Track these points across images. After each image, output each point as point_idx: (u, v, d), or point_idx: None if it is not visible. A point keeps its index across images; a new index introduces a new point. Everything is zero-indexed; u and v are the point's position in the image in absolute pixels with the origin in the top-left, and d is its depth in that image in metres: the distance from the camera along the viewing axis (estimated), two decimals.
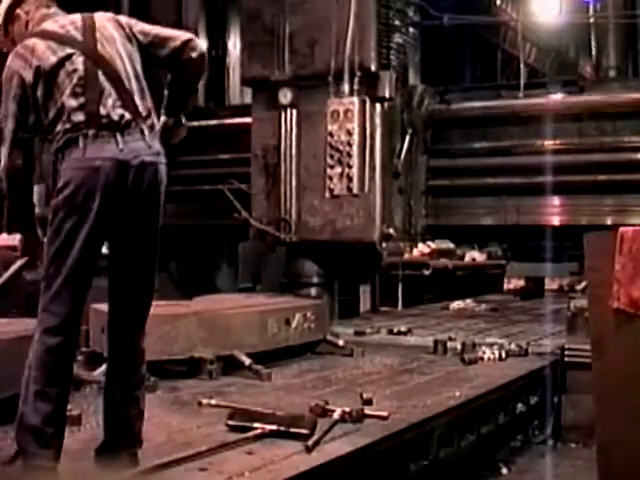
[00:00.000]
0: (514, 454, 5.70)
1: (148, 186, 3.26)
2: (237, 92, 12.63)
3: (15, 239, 8.93)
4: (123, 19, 3.48)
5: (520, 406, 5.81)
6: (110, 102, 3.24)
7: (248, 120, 8.60)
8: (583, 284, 9.03)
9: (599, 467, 3.76)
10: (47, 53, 3.26)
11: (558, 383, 6.12)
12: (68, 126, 3.21)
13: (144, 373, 3.48)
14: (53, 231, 3.20)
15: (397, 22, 8.22)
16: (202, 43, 3.59)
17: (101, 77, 3.26)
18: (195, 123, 10.12)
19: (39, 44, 3.28)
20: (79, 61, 3.25)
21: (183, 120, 3.61)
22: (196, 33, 12.58)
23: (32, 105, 3.27)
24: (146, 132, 3.28)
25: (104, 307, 4.34)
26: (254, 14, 8.35)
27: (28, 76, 3.24)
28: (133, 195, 3.23)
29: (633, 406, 3.59)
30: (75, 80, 3.23)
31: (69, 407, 4.13)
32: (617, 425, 3.65)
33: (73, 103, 3.21)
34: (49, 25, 3.38)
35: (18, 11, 3.47)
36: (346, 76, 7.73)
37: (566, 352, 6.19)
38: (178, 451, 3.57)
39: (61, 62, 3.25)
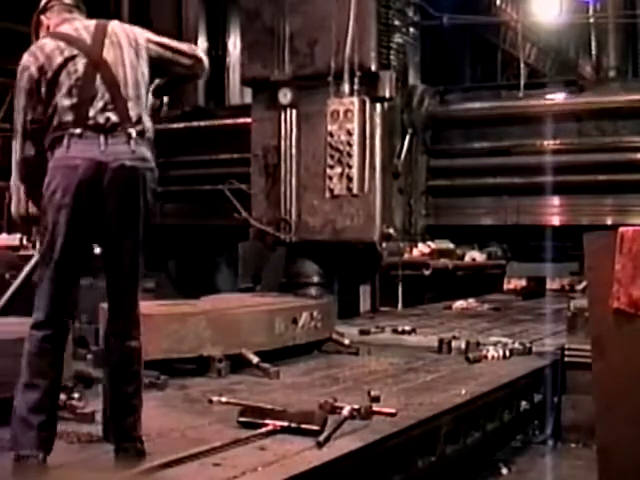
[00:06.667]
0: (514, 454, 5.72)
1: (125, 189, 3.34)
2: (237, 92, 12.62)
3: (15, 239, 8.78)
4: (138, 30, 3.61)
5: (524, 404, 5.86)
6: (100, 105, 3.35)
7: (248, 120, 8.56)
8: (583, 284, 9.05)
9: (599, 467, 3.76)
10: (55, 52, 3.38)
11: (558, 383, 6.14)
12: (56, 124, 3.33)
13: (137, 369, 3.51)
14: (42, 230, 3.32)
15: (397, 22, 8.18)
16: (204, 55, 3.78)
17: (98, 80, 3.37)
18: (195, 123, 10.21)
19: (49, 43, 3.42)
20: (81, 63, 3.37)
21: (165, 99, 3.85)
22: (196, 33, 12.61)
23: (37, 100, 3.38)
24: (133, 137, 3.37)
25: None
26: (254, 14, 8.31)
27: (34, 72, 3.37)
28: (109, 196, 3.31)
29: (633, 406, 3.60)
30: (73, 81, 3.35)
31: (81, 404, 4.22)
32: (617, 425, 3.66)
33: (66, 102, 3.33)
34: (64, 27, 3.52)
35: (42, 17, 3.67)
36: (346, 76, 7.69)
37: (566, 352, 6.20)
38: (192, 447, 3.62)
39: (65, 62, 3.36)
